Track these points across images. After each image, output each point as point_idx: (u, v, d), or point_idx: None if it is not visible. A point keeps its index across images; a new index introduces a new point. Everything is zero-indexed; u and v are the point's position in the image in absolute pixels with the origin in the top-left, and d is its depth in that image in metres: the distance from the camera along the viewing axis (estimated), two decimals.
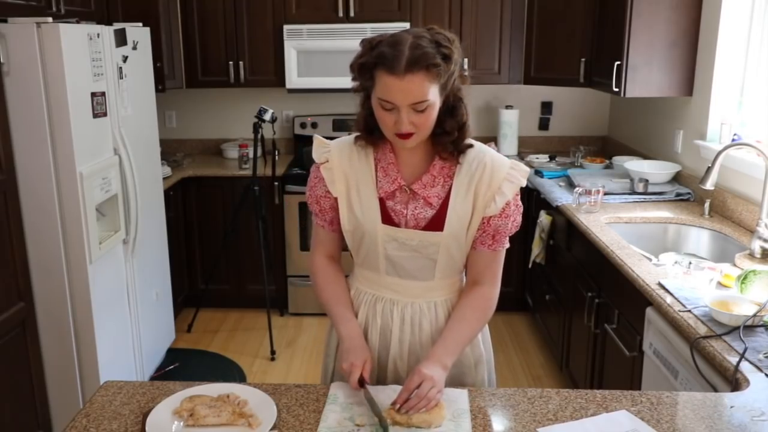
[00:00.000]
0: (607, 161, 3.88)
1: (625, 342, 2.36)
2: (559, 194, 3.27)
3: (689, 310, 1.88)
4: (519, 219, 1.53)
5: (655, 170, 3.31)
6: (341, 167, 1.52)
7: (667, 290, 2.03)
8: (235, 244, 4.11)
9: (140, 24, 3.29)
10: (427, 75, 1.33)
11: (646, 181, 3.20)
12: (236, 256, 4.17)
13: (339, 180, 1.52)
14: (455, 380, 1.56)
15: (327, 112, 4.53)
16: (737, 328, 1.73)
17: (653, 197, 3.14)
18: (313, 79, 4.10)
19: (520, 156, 4.32)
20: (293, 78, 4.11)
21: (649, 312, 2.08)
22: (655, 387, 2.06)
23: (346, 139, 1.56)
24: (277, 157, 4.13)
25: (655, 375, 2.07)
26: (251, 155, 3.82)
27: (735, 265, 2.33)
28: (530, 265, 3.64)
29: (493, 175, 1.47)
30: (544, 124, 4.60)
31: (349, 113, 4.29)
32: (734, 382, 1.54)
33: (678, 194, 3.15)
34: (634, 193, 3.19)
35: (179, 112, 4.65)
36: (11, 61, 2.45)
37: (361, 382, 1.39)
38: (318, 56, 4.05)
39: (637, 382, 2.23)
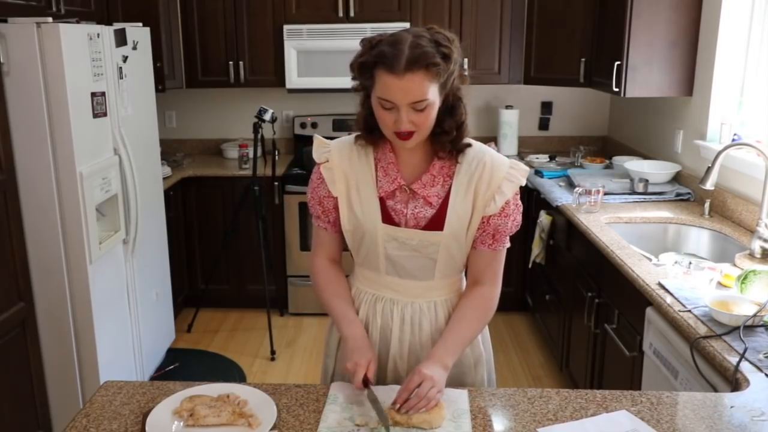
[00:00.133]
0: (607, 161, 3.88)
1: (625, 342, 2.36)
2: (559, 194, 3.27)
3: (689, 310, 1.88)
4: (519, 218, 1.53)
5: (655, 170, 3.31)
6: (341, 167, 1.52)
7: (667, 290, 2.03)
8: (235, 244, 4.11)
9: (140, 24, 3.29)
10: (426, 74, 1.33)
11: (646, 181, 3.20)
12: (236, 256, 4.17)
13: (339, 180, 1.52)
14: (455, 380, 1.56)
15: (327, 112, 4.53)
16: (737, 328, 1.73)
17: (653, 197, 3.14)
18: (313, 79, 4.10)
19: (520, 156, 4.32)
20: (293, 78, 4.11)
21: (649, 312, 2.08)
22: (655, 387, 2.06)
23: (346, 138, 1.56)
24: (277, 157, 4.13)
25: (655, 375, 2.07)
26: (251, 155, 3.82)
27: (735, 265, 2.33)
28: (530, 265, 3.64)
29: (493, 175, 1.47)
30: (544, 124, 4.60)
31: (349, 113, 4.29)
32: (734, 382, 1.54)
33: (678, 194, 3.15)
34: (634, 193, 3.19)
35: (179, 112, 4.65)
36: (11, 61, 2.45)
37: (365, 382, 1.39)
38: (318, 56, 4.05)
39: (637, 382, 2.23)
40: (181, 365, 3.61)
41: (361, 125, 1.50)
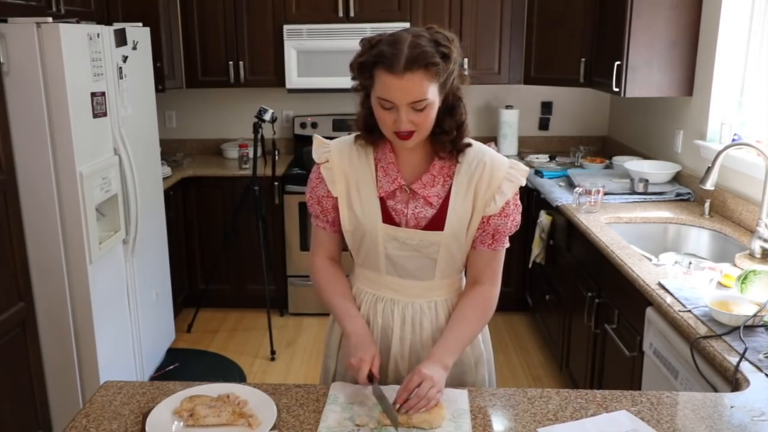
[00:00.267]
0: (607, 161, 3.88)
1: (625, 342, 2.36)
2: (559, 194, 3.27)
3: (689, 310, 1.88)
4: (518, 218, 1.53)
5: (655, 170, 3.31)
6: (341, 167, 1.52)
7: (667, 290, 2.03)
8: (235, 244, 4.11)
9: (140, 24, 3.29)
10: (426, 74, 1.33)
11: (646, 181, 3.20)
12: (236, 256, 4.17)
13: (339, 180, 1.52)
14: (456, 379, 1.56)
15: (327, 112, 4.53)
16: (737, 328, 1.72)
17: (653, 197, 3.14)
18: (313, 79, 4.10)
19: (520, 156, 4.32)
20: (293, 78, 4.11)
21: (649, 312, 2.08)
22: (655, 387, 2.06)
23: (346, 138, 1.56)
24: (277, 157, 4.13)
25: (655, 375, 2.07)
26: (251, 155, 3.82)
27: (735, 265, 2.33)
28: (530, 265, 3.64)
29: (493, 175, 1.47)
30: (544, 124, 4.60)
31: (349, 113, 4.29)
32: (734, 382, 1.54)
33: (678, 194, 3.15)
34: (634, 193, 3.19)
35: (179, 112, 4.65)
36: (11, 61, 2.45)
37: (370, 378, 1.39)
38: (318, 56, 4.05)
39: (637, 382, 2.23)
40: (181, 365, 3.61)
41: (360, 125, 1.50)
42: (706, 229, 2.79)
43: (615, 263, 2.36)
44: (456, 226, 1.48)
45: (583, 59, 3.74)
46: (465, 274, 1.62)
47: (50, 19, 2.51)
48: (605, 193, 3.09)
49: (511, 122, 4.34)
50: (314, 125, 4.45)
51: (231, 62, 4.17)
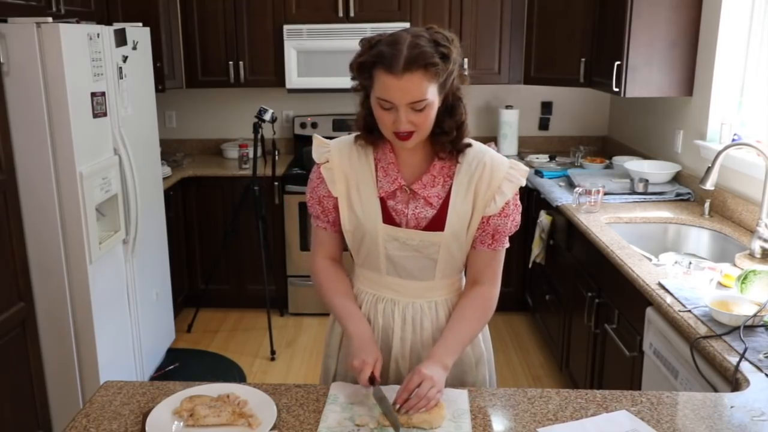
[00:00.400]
0: (607, 161, 3.88)
1: (625, 342, 2.36)
2: (559, 194, 3.27)
3: (689, 310, 1.88)
4: (518, 218, 1.53)
5: (655, 170, 3.31)
6: (341, 167, 1.52)
7: (667, 290, 2.03)
8: (235, 244, 4.11)
9: (140, 24, 3.29)
10: (425, 74, 1.33)
11: (646, 181, 3.20)
12: (236, 256, 4.17)
13: (339, 180, 1.52)
14: (457, 379, 1.57)
15: (327, 112, 4.53)
16: (737, 328, 1.73)
17: (653, 197, 3.14)
18: (313, 79, 4.10)
19: (520, 156, 4.32)
20: (293, 78, 4.11)
21: (649, 312, 2.08)
22: (655, 387, 2.06)
23: (346, 138, 1.56)
24: (277, 157, 4.13)
25: (655, 375, 2.07)
26: (251, 155, 3.82)
27: (735, 265, 2.33)
28: (530, 265, 3.64)
29: (493, 175, 1.47)
30: (544, 124, 4.60)
31: (349, 113, 4.29)
32: (734, 382, 1.54)
33: (678, 194, 3.15)
34: (634, 193, 3.19)
35: (179, 112, 4.65)
36: (11, 61, 2.45)
37: (371, 380, 1.39)
38: (318, 56, 4.05)
39: (637, 382, 2.23)
40: (181, 365, 3.61)
41: (360, 125, 1.50)
42: (706, 229, 2.79)
43: (615, 263, 2.36)
44: (456, 226, 1.48)
45: (583, 59, 3.74)
46: (465, 274, 1.62)
47: (50, 19, 2.51)
48: (605, 193, 3.09)
49: (511, 122, 4.34)
50: (314, 125, 4.45)
51: (231, 62, 4.17)
